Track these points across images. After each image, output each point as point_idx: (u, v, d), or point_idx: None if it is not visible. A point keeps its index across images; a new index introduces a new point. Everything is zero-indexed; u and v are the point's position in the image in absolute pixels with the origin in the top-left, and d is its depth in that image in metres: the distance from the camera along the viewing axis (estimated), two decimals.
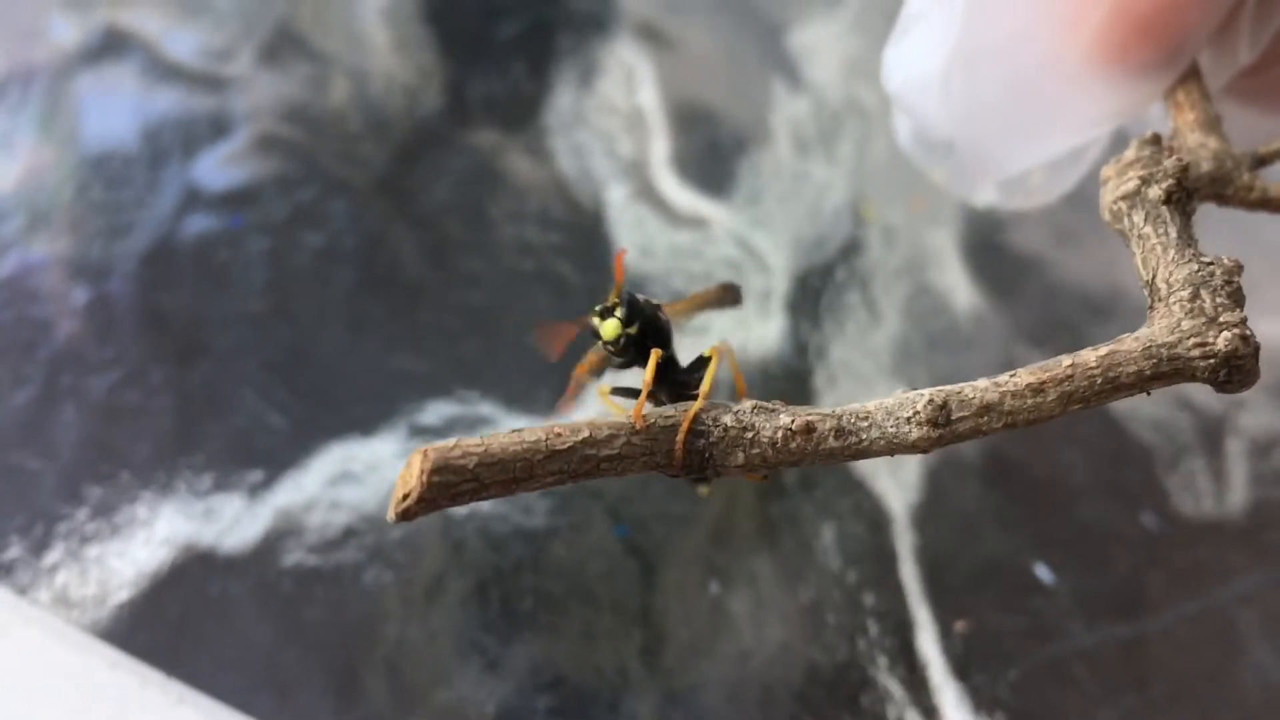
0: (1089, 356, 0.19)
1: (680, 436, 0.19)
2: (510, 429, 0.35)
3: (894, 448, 0.19)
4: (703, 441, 0.19)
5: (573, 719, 0.31)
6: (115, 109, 0.43)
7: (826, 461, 0.19)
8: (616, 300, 0.22)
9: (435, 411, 0.36)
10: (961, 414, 0.19)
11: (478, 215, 0.42)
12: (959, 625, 0.33)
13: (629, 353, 0.22)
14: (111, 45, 0.45)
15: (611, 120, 0.45)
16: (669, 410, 0.20)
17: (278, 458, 0.35)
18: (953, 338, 0.41)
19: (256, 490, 0.34)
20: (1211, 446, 0.38)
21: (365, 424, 0.36)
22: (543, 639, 0.32)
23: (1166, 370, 0.19)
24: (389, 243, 0.40)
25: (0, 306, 0.37)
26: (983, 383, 0.19)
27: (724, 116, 0.46)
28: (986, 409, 0.19)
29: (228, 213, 0.40)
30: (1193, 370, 0.19)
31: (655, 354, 0.22)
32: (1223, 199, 0.23)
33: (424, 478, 0.17)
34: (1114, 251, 0.43)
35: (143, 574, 0.32)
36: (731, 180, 0.44)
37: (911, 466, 0.36)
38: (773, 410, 0.19)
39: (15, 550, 0.32)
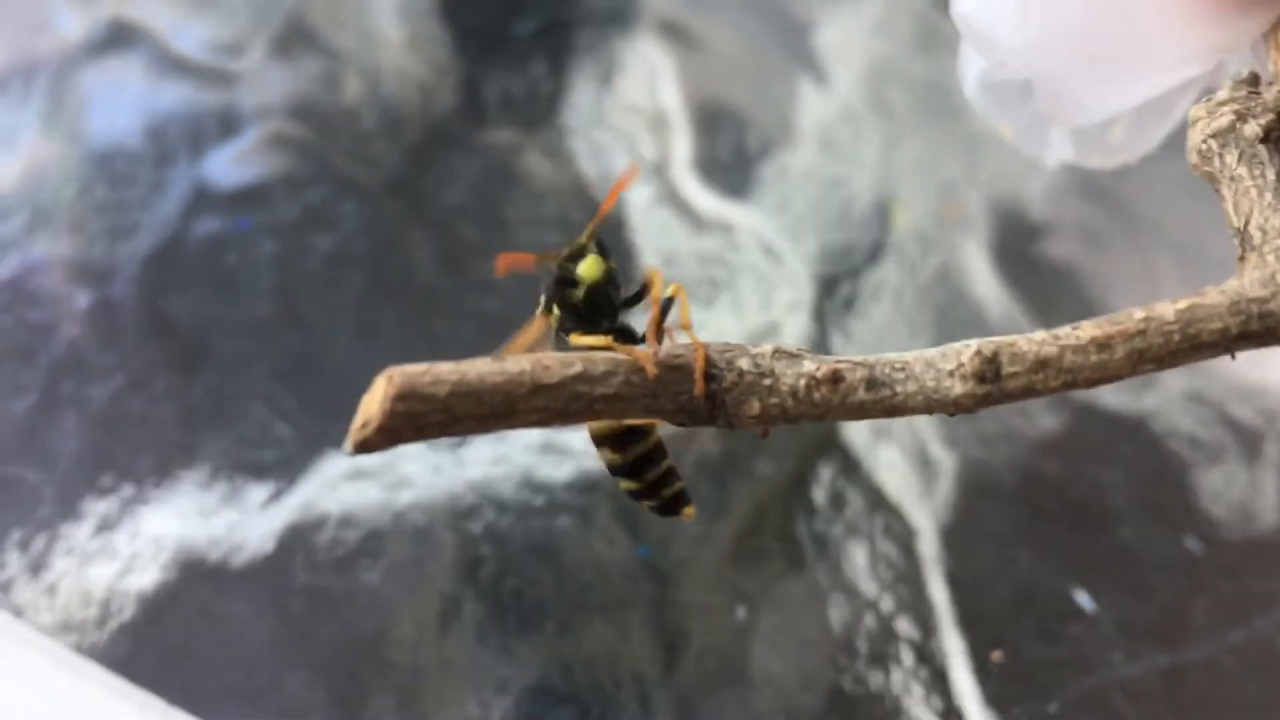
0: (1166, 310, 0.17)
1: (698, 377, 0.17)
2: (525, 437, 0.34)
3: (932, 404, 0.17)
4: (714, 386, 0.17)
5: None
6: (121, 104, 0.42)
7: (854, 417, 0.17)
8: (587, 241, 0.19)
9: None
10: (1013, 369, 0.17)
11: (494, 218, 0.40)
12: (995, 655, 0.32)
13: (603, 297, 0.19)
14: (117, 38, 0.44)
15: (633, 120, 0.44)
16: (676, 349, 0.17)
17: (286, 471, 0.33)
18: None
19: (264, 505, 0.32)
20: (1255, 466, 0.37)
21: None
22: (560, 661, 0.31)
23: (1256, 329, 0.17)
24: (401, 246, 0.39)
25: None
26: (1040, 334, 0.17)
27: (749, 117, 0.45)
28: (1043, 364, 0.17)
29: (235, 214, 0.39)
30: None
31: (655, 273, 0.19)
32: None
33: (387, 405, 0.15)
34: (1150, 262, 0.42)
35: (144, 593, 0.31)
36: (757, 183, 0.43)
37: (945, 486, 0.35)
38: (796, 355, 0.17)
39: (13, 568, 0.31)
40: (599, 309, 0.19)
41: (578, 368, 0.16)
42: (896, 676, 0.31)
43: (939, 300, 0.40)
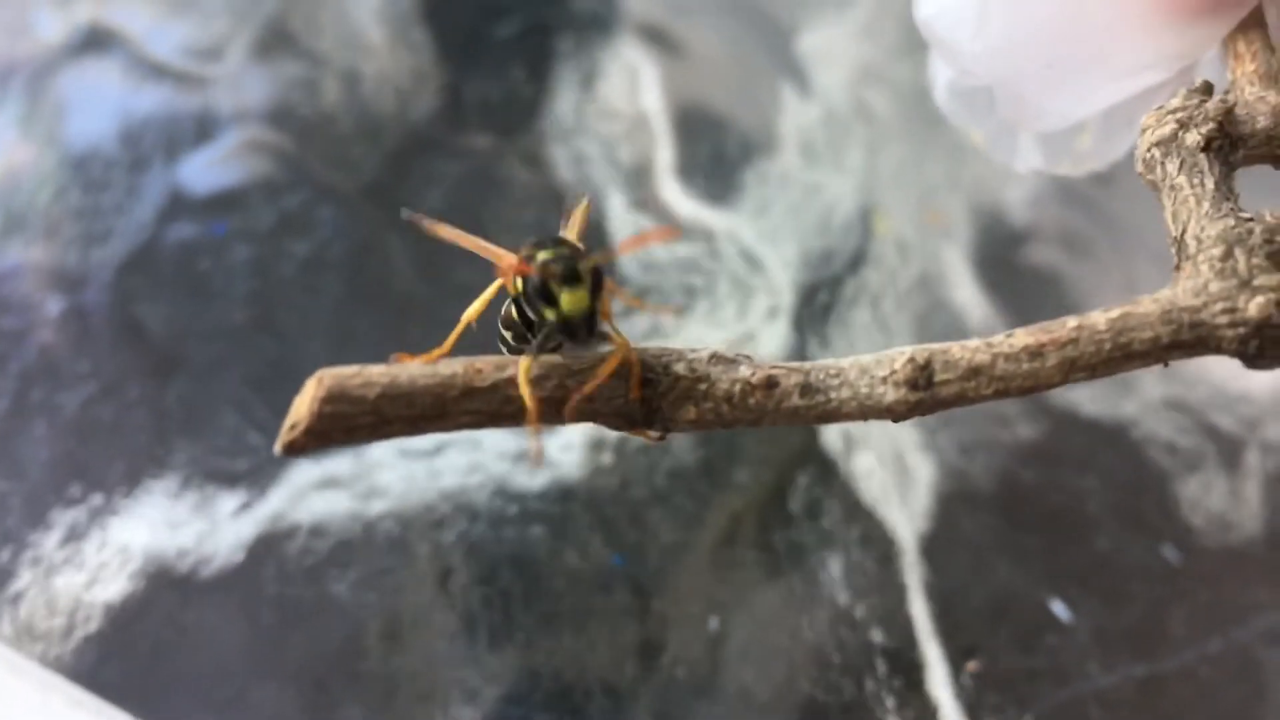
0: (1098, 319, 0.17)
1: (634, 382, 0.17)
2: (499, 445, 0.34)
3: (866, 410, 0.17)
4: (650, 391, 0.17)
5: None
6: (97, 108, 0.42)
7: (790, 422, 0.17)
8: (586, 271, 0.17)
9: None
10: (945, 376, 0.17)
11: (473, 224, 0.39)
12: (971, 665, 0.32)
13: (567, 330, 0.17)
14: (95, 41, 0.44)
15: (613, 126, 0.44)
16: (612, 353, 0.17)
17: (257, 480, 0.33)
18: None
19: (234, 514, 0.32)
20: (1235, 475, 0.36)
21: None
22: (531, 672, 0.31)
23: (1188, 339, 0.17)
24: (379, 252, 0.39)
25: None
26: (973, 342, 0.17)
27: (730, 123, 0.45)
28: (975, 372, 0.17)
29: (210, 220, 0.39)
30: (1218, 340, 0.17)
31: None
32: None
33: (316, 406, 0.15)
34: (1132, 269, 0.42)
35: (112, 603, 0.30)
36: (738, 190, 0.43)
37: (922, 494, 0.35)
38: (732, 361, 0.17)
39: None
40: (554, 334, 0.18)
41: (511, 371, 0.17)
42: (871, 687, 0.31)
43: (919, 307, 0.40)
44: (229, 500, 0.32)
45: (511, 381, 0.17)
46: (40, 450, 0.33)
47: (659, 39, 0.47)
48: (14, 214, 0.38)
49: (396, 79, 0.44)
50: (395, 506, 0.33)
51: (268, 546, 0.32)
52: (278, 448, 0.16)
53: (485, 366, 0.17)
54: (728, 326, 0.38)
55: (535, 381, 0.17)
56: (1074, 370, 0.17)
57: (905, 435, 0.36)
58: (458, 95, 0.44)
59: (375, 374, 0.16)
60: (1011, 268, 0.42)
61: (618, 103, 0.44)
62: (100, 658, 0.29)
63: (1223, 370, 0.39)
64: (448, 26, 0.47)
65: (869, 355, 0.17)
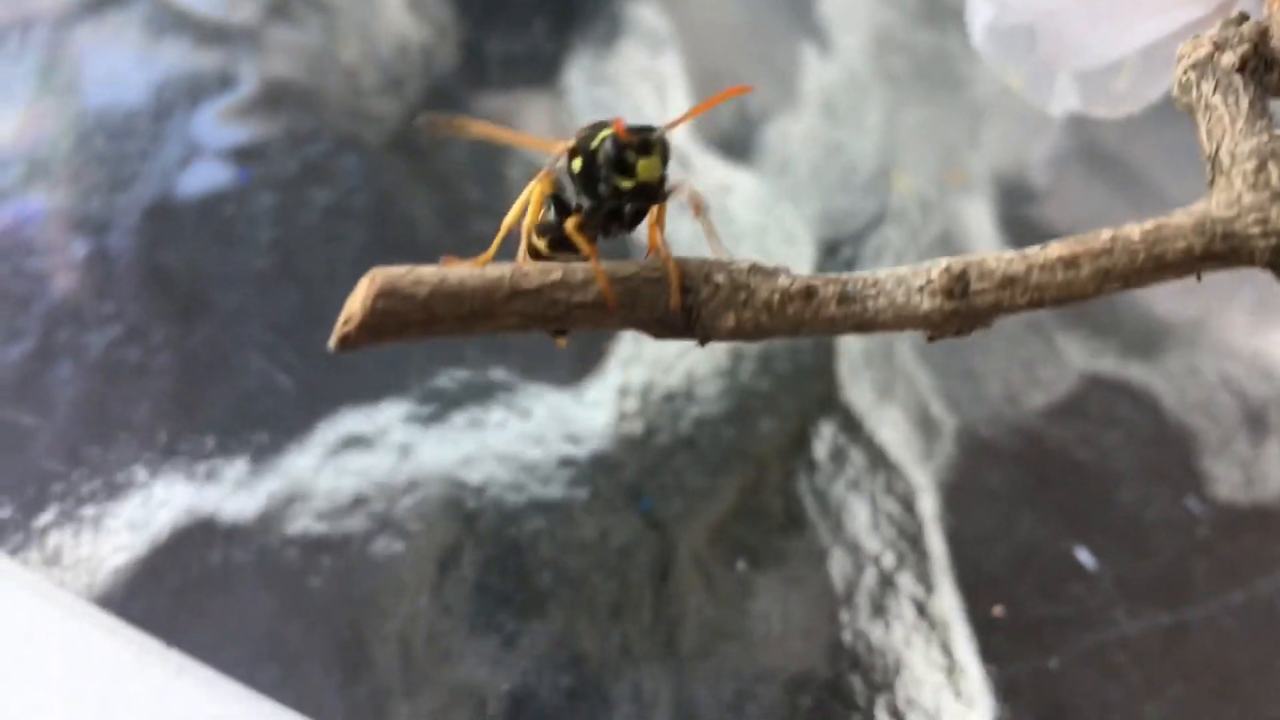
0: (1133, 230, 0.17)
1: (674, 289, 0.17)
2: (527, 394, 0.34)
3: (903, 320, 0.17)
4: (690, 298, 0.18)
5: (590, 699, 0.29)
6: (119, 58, 0.42)
7: (827, 330, 0.18)
8: (656, 138, 0.17)
9: (449, 376, 0.34)
10: (981, 285, 0.17)
11: (494, 178, 0.40)
12: (996, 610, 0.32)
13: (633, 198, 0.18)
14: None
15: (634, 81, 0.44)
16: (654, 262, 0.18)
17: (283, 422, 0.33)
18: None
19: (261, 455, 0.32)
20: (1258, 430, 0.37)
21: (375, 389, 0.34)
22: (561, 616, 0.31)
23: (1220, 249, 0.17)
24: (402, 203, 0.39)
25: None
26: (1009, 253, 0.17)
27: (751, 81, 0.45)
28: (1010, 281, 0.17)
29: (234, 167, 0.39)
30: (1250, 251, 0.17)
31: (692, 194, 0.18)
32: None
33: (369, 302, 0.16)
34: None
35: (141, 539, 0.30)
36: (758, 148, 0.43)
37: (947, 446, 0.35)
38: (771, 272, 0.18)
39: (6, 510, 0.30)
40: (619, 202, 0.18)
41: (556, 275, 0.17)
42: (898, 631, 0.31)
43: None
44: (255, 441, 0.32)
45: (556, 285, 0.17)
46: (67, 390, 0.33)
47: None
48: (38, 161, 0.38)
49: (417, 35, 0.44)
50: (424, 462, 0.33)
51: (294, 488, 0.32)
52: (332, 342, 0.16)
53: (531, 270, 0.17)
54: None
55: (581, 285, 0.17)
56: (1108, 280, 0.17)
57: (929, 388, 0.36)
58: (478, 51, 0.44)
59: (426, 273, 0.17)
60: (1033, 227, 0.42)
61: (639, 60, 0.44)
62: (129, 592, 0.29)
63: (1246, 329, 0.39)
64: None
65: (905, 267, 0.18)
